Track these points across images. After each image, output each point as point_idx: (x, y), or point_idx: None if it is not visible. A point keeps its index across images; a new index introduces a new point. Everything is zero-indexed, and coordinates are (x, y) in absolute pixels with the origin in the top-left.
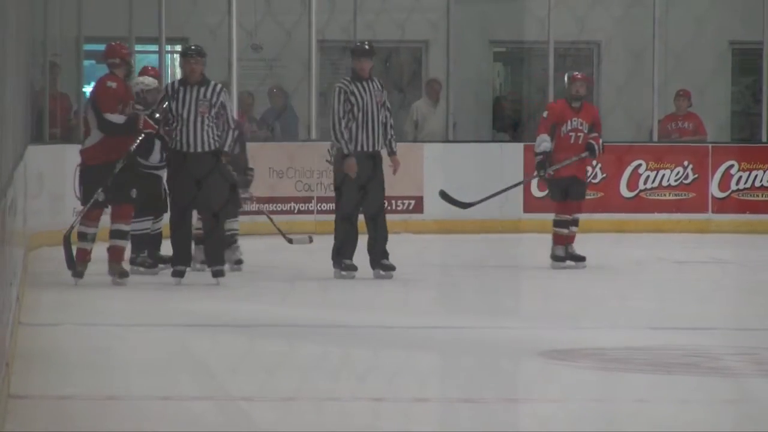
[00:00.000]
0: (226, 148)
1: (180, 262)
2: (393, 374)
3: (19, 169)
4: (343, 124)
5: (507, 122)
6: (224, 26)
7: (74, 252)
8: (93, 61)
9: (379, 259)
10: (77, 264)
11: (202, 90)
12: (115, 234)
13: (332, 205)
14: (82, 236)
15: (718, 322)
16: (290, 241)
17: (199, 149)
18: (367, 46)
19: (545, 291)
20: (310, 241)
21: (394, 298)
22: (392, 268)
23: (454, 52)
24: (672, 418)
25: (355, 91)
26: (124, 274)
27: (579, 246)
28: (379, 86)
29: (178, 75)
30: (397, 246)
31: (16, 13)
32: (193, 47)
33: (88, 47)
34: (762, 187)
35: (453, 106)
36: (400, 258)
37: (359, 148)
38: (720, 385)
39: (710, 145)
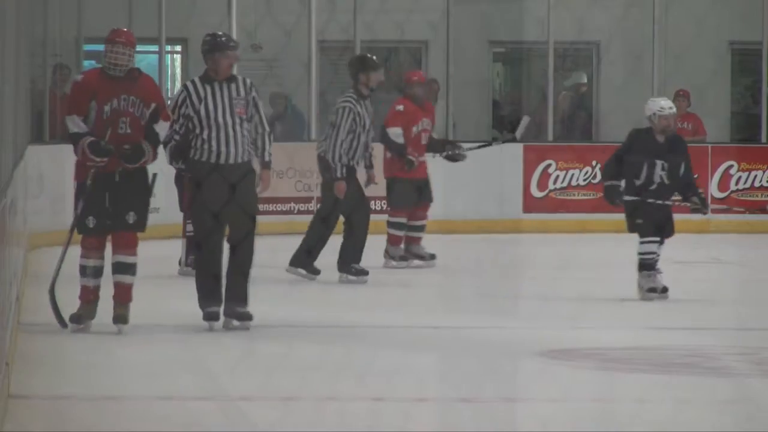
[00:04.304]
0: (267, 158)
1: (211, 301)
2: (393, 374)
3: (19, 169)
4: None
5: (506, 123)
6: (224, 26)
7: (78, 292)
8: (93, 62)
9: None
10: (80, 307)
11: (233, 87)
12: (115, 267)
13: None
14: (82, 270)
15: (718, 322)
16: None
17: (237, 160)
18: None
19: (545, 291)
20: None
21: (394, 298)
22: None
23: (453, 53)
24: (672, 418)
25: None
26: (121, 319)
27: (578, 246)
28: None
29: (178, 74)
30: None
31: (16, 13)
32: (225, 37)
33: (88, 47)
34: (761, 187)
35: (453, 106)
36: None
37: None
38: (720, 385)
39: (709, 146)
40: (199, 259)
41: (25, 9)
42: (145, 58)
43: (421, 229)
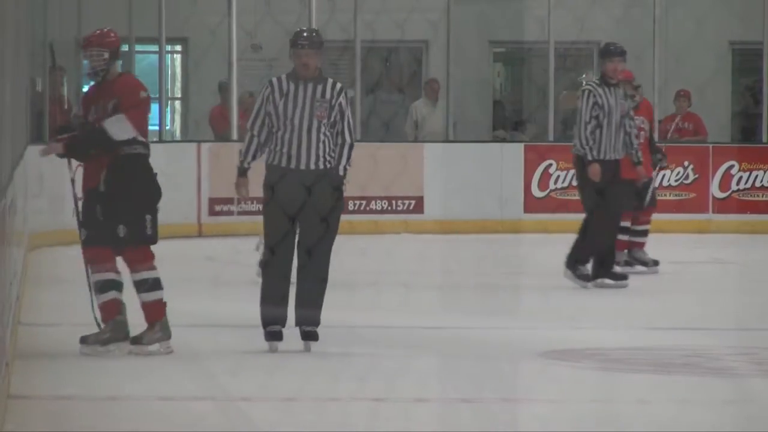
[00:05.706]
0: (341, 172)
1: (274, 318)
2: (393, 374)
3: (19, 169)
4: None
5: (507, 122)
6: (224, 26)
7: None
8: None
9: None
10: (101, 327)
11: (318, 88)
12: (138, 286)
13: None
14: (96, 288)
15: (718, 322)
16: None
17: (311, 166)
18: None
19: (545, 291)
20: None
21: (394, 298)
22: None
23: (454, 52)
24: (672, 418)
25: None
26: (157, 339)
27: None
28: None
29: (179, 74)
30: (397, 246)
31: (16, 14)
32: (305, 35)
33: None
34: (762, 187)
35: (453, 106)
36: (400, 258)
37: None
38: (720, 385)
39: (710, 146)
40: (268, 266)
41: (25, 9)
42: (145, 58)
43: (644, 234)
